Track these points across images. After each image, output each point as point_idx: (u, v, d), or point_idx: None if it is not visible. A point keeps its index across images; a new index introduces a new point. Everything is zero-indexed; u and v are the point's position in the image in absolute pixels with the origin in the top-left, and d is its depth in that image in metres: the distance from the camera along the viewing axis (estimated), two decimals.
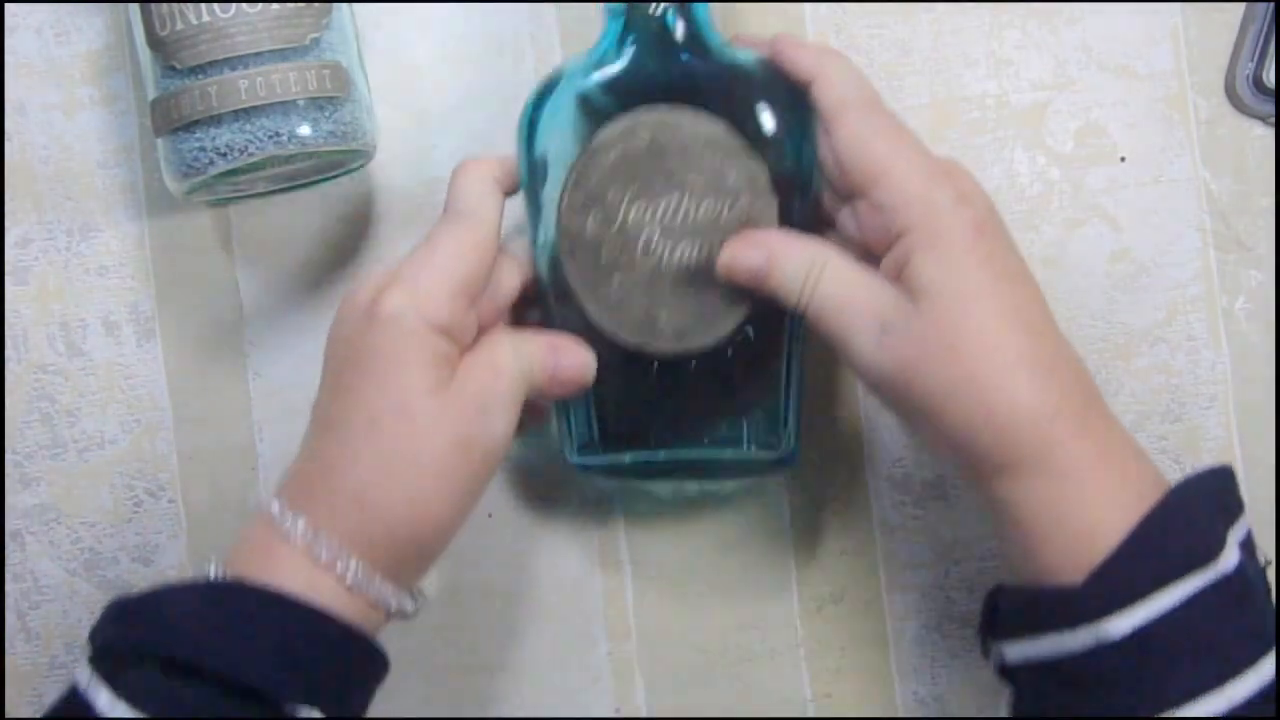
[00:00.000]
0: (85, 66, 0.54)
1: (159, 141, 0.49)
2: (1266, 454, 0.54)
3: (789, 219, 0.47)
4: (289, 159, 0.48)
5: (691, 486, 0.55)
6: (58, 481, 0.55)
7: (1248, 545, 0.43)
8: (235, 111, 0.47)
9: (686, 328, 0.48)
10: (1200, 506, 0.42)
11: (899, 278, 0.44)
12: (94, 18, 0.54)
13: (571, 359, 0.47)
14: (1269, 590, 0.43)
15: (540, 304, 0.49)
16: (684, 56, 0.48)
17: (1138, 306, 0.54)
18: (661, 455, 0.50)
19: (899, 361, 0.43)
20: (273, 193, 0.53)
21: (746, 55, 0.48)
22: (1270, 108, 0.53)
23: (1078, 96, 0.54)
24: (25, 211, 0.55)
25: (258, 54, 0.47)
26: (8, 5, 0.54)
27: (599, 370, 0.48)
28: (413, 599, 0.45)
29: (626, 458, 0.50)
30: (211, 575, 0.44)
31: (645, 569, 0.55)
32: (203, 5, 0.47)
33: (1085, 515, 0.42)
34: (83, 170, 0.55)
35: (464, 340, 0.45)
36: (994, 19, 0.54)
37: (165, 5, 0.47)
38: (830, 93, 0.46)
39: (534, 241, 0.49)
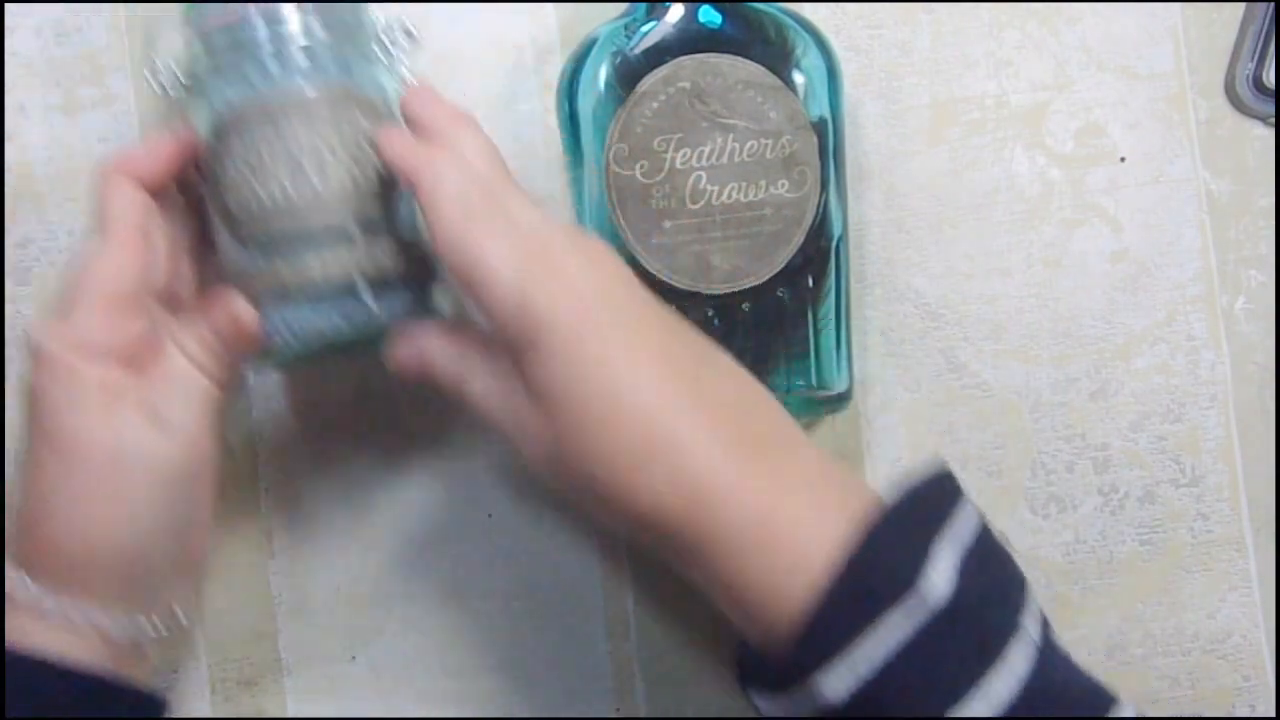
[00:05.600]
0: (85, 66, 0.54)
1: None
2: (1266, 454, 0.54)
3: (825, 155, 0.49)
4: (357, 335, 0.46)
5: None
6: None
7: (974, 551, 0.39)
8: (305, 289, 0.45)
9: (738, 267, 0.49)
10: (889, 539, 0.39)
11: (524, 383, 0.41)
12: (94, 18, 0.54)
13: (221, 314, 0.46)
14: (1008, 576, 0.40)
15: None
16: (713, 15, 0.49)
17: (1138, 306, 0.54)
18: None
19: (548, 470, 0.42)
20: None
21: (770, 7, 0.49)
22: (1270, 108, 0.53)
23: (1078, 96, 0.54)
24: (25, 211, 0.55)
25: (328, 228, 0.45)
26: (8, 5, 0.54)
27: None
28: (161, 621, 0.45)
29: None
30: None
31: (645, 569, 0.55)
32: (273, 184, 0.45)
33: (784, 576, 0.39)
34: (83, 170, 0.55)
35: (150, 344, 0.45)
36: (994, 19, 0.54)
37: (235, 179, 0.45)
38: (429, 191, 0.42)
39: (578, 201, 0.50)
